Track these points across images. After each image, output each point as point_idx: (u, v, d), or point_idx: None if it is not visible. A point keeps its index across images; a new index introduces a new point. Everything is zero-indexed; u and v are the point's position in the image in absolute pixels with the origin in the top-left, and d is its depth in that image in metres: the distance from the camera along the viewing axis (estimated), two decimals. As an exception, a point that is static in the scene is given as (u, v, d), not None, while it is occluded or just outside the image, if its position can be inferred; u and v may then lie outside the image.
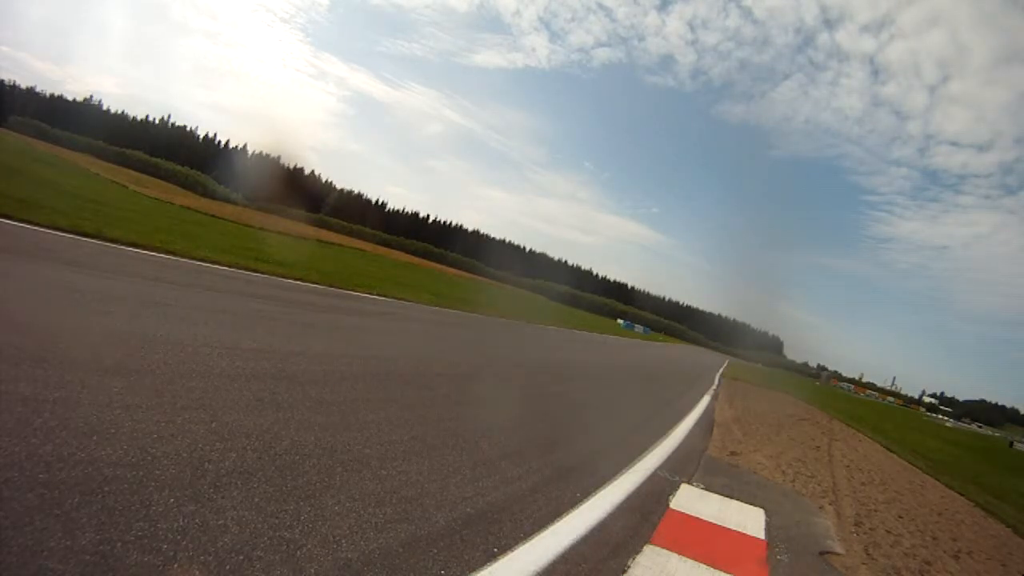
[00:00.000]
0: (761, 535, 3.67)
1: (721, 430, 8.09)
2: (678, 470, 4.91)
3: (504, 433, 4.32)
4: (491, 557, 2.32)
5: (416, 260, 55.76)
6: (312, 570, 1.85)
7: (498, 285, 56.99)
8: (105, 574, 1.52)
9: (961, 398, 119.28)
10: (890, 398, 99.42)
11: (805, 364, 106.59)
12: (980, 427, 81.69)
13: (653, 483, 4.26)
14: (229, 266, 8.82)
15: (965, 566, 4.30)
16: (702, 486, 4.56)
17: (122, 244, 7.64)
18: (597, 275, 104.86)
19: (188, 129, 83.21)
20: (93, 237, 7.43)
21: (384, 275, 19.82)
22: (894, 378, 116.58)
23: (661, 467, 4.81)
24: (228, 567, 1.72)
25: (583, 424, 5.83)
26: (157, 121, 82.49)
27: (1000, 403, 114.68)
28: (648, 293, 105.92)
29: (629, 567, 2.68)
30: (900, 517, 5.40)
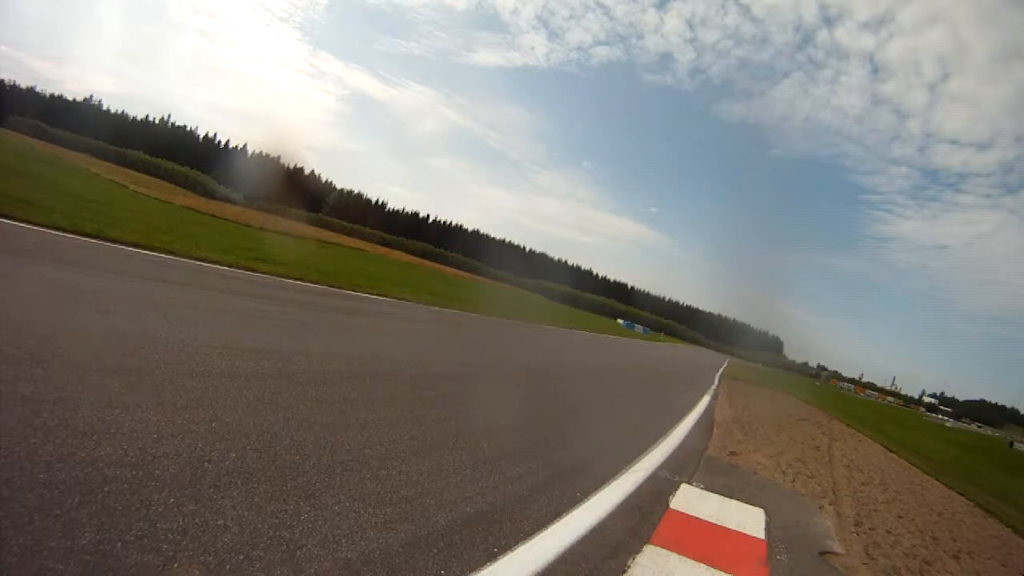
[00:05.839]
0: (761, 535, 3.68)
1: (721, 430, 8.09)
2: (678, 470, 4.91)
3: (504, 433, 4.32)
4: (491, 557, 2.32)
5: (416, 260, 55.70)
6: (312, 570, 1.85)
7: (498, 285, 56.99)
8: (105, 574, 1.52)
9: (961, 398, 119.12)
10: (890, 398, 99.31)
11: (805, 364, 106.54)
12: (980, 427, 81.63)
13: (653, 483, 4.26)
14: (229, 266, 8.83)
15: (965, 566, 4.30)
16: (702, 486, 4.56)
17: (122, 244, 7.64)
18: (597, 275, 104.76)
19: (188, 129, 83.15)
20: (93, 237, 7.43)
21: (384, 275, 19.81)
22: (894, 378, 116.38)
23: (661, 467, 4.81)
24: (228, 567, 1.72)
25: (583, 424, 5.83)
26: (157, 121, 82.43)
27: (1000, 403, 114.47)
28: (648, 293, 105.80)
29: (629, 567, 2.68)
30: (900, 517, 5.41)
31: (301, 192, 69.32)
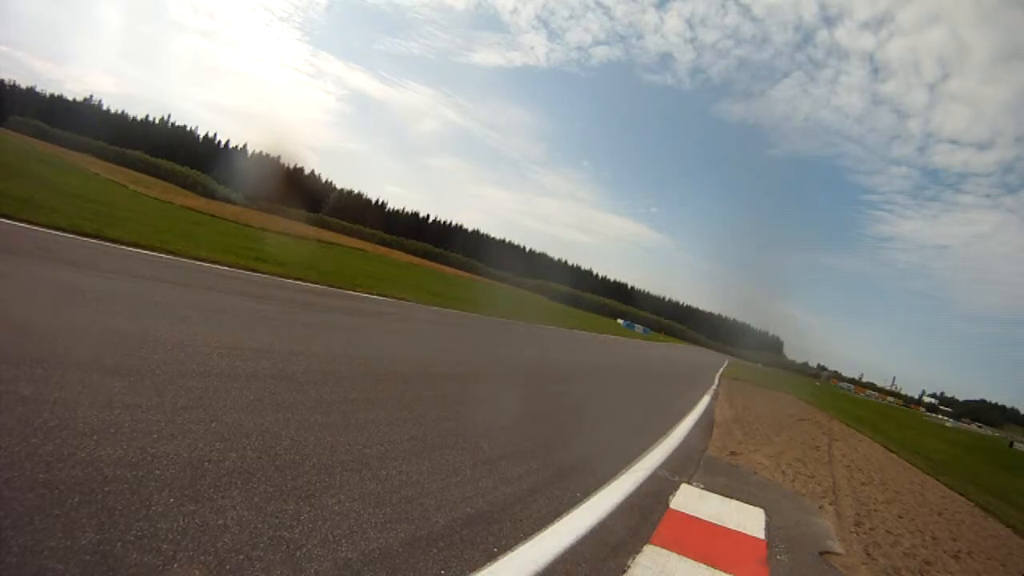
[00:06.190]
0: (761, 535, 3.68)
1: (721, 430, 8.09)
2: (678, 470, 4.91)
3: (504, 433, 4.32)
4: (491, 557, 2.32)
5: (416, 260, 55.71)
6: (312, 570, 1.85)
7: (498, 285, 56.99)
8: (105, 574, 1.52)
9: (961, 398, 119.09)
10: (890, 398, 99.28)
11: (805, 364, 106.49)
12: (980, 427, 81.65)
13: (653, 483, 4.26)
14: (229, 266, 8.83)
15: (965, 566, 4.30)
16: (702, 486, 4.56)
17: (122, 244, 7.64)
18: (597, 275, 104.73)
19: (188, 129, 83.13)
20: (93, 237, 7.43)
21: (384, 275, 19.82)
22: (894, 378, 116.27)
23: (661, 467, 4.82)
24: (228, 567, 1.72)
25: (582, 424, 5.83)
26: (157, 121, 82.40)
27: (1000, 403, 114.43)
28: (648, 293, 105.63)
29: (629, 567, 2.68)
30: (900, 517, 5.41)
31: (301, 192, 69.31)
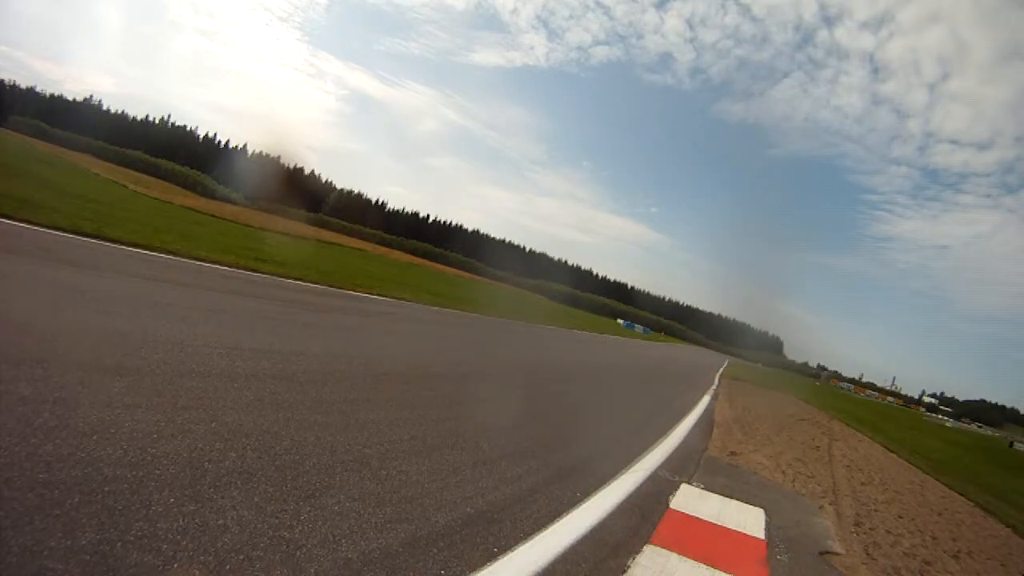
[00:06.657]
0: (761, 535, 3.68)
1: (721, 430, 8.09)
2: (678, 470, 4.91)
3: (504, 433, 4.32)
4: (491, 557, 2.32)
5: (416, 260, 55.71)
6: (312, 570, 1.85)
7: (498, 285, 56.97)
8: (105, 574, 1.52)
9: (961, 398, 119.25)
10: (890, 398, 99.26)
11: (805, 364, 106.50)
12: (980, 427, 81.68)
13: (653, 483, 4.26)
14: (229, 266, 8.82)
15: (965, 566, 4.30)
16: (702, 486, 4.56)
17: (122, 244, 7.64)
18: (597, 275, 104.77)
19: (188, 129, 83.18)
20: (93, 237, 7.43)
21: (384, 275, 19.81)
22: (894, 378, 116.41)
23: (661, 467, 4.81)
24: (228, 567, 1.72)
25: (583, 424, 5.83)
26: (157, 121, 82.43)
27: (1000, 403, 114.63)
28: (648, 293, 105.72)
29: (629, 567, 2.68)
30: (900, 517, 5.41)
31: (301, 192, 69.32)
